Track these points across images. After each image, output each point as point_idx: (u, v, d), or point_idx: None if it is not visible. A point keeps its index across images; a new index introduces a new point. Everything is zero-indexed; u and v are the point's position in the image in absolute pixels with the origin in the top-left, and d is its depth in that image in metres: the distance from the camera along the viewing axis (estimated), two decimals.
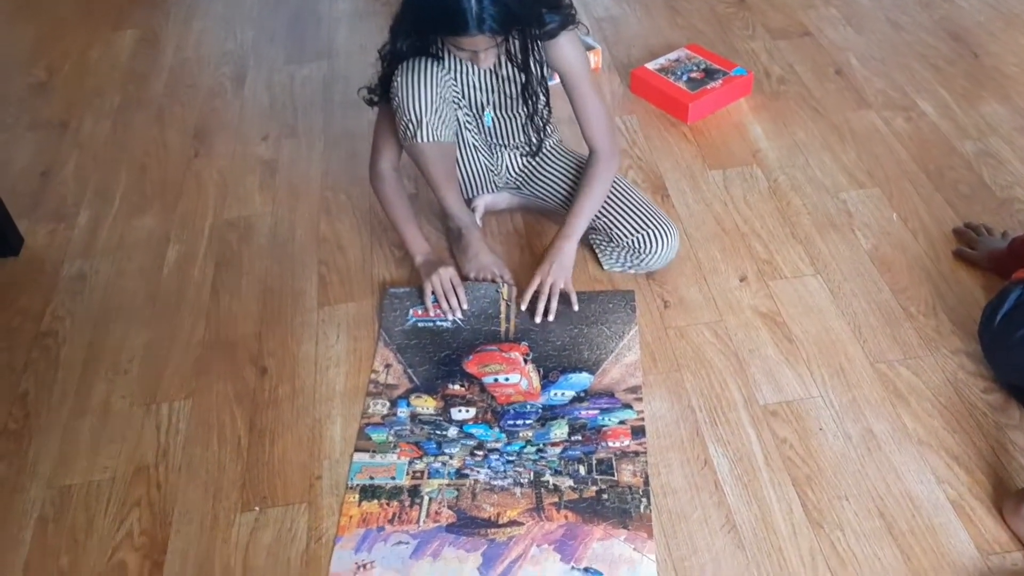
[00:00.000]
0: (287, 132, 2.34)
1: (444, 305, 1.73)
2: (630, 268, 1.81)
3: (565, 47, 1.67)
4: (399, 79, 1.62)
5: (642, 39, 2.57)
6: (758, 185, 2.03)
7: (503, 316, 1.73)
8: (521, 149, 1.88)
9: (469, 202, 1.91)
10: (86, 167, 2.27)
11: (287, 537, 1.45)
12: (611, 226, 1.77)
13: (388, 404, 1.62)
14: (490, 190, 1.92)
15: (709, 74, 2.28)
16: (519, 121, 1.81)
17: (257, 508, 1.49)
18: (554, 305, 1.71)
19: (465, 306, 1.73)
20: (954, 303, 1.72)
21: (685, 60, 2.34)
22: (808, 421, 1.54)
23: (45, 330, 1.84)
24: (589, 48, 2.38)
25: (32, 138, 2.39)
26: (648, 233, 1.74)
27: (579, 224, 1.74)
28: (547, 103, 1.79)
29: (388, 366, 1.69)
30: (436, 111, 1.63)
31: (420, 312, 1.75)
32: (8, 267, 1.99)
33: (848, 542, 1.37)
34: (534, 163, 1.90)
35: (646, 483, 1.46)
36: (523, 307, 1.72)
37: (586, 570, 1.37)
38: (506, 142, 1.86)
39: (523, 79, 1.70)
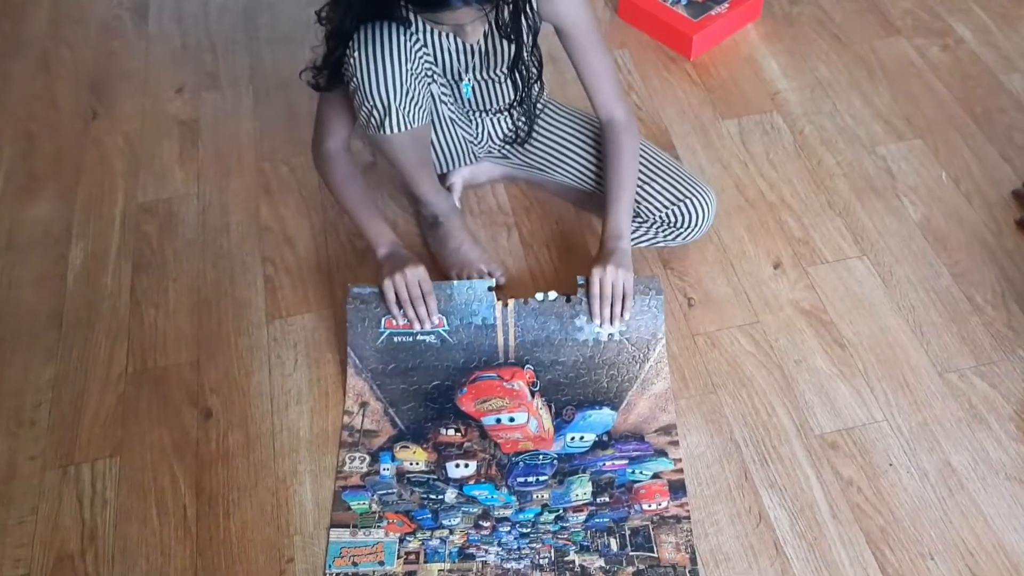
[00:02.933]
0: (207, 82, 1.92)
1: (410, 314, 1.36)
2: (659, 243, 1.50)
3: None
4: (357, 54, 1.23)
5: None
6: (781, 139, 1.72)
7: (499, 324, 1.39)
8: (505, 116, 1.52)
9: (443, 179, 1.57)
10: None
11: None
12: (638, 200, 1.44)
13: (368, 459, 1.32)
14: (469, 162, 1.57)
15: None
16: (503, 82, 1.44)
17: None
18: (621, 312, 1.36)
19: (435, 319, 1.37)
20: None
21: None
22: (875, 455, 1.29)
23: None
24: None
25: None
26: (686, 204, 1.44)
27: (623, 219, 1.39)
28: (539, 77, 1.46)
29: (364, 404, 1.37)
30: (407, 92, 1.26)
31: (395, 322, 1.38)
32: None
33: None
34: (523, 125, 1.54)
35: (693, 560, 1.20)
36: (597, 321, 1.36)
37: None
38: (488, 107, 1.48)
39: (512, 51, 1.34)
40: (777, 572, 1.19)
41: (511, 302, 1.38)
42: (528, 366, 1.38)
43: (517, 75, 1.40)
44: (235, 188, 1.70)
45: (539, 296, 1.37)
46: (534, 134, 1.55)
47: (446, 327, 1.38)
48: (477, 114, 1.49)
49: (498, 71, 1.41)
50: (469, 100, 1.45)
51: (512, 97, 1.45)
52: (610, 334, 1.37)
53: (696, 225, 1.46)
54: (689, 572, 1.20)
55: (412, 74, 1.26)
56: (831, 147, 1.70)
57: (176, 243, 1.63)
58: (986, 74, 1.82)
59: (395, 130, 1.28)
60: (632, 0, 1.93)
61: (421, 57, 1.29)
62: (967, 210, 1.59)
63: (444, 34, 1.32)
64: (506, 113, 1.51)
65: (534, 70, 1.43)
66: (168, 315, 1.52)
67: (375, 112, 1.26)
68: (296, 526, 1.27)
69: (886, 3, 1.98)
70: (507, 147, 1.56)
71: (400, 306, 1.35)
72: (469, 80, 1.41)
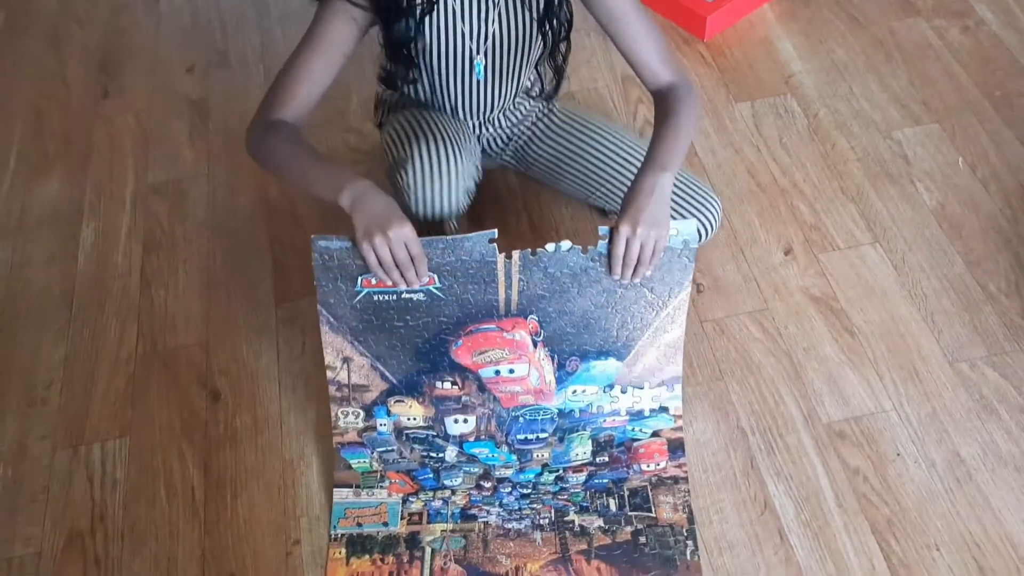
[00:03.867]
0: (217, 60, 1.91)
1: (395, 278, 1.12)
2: None
3: None
4: (411, 174, 1.23)
5: None
6: (795, 122, 1.70)
7: (501, 279, 1.17)
8: (507, 122, 1.44)
9: None
10: None
11: None
12: None
13: (362, 414, 1.26)
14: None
15: None
16: (515, 78, 1.33)
17: None
18: (645, 271, 1.15)
19: (425, 279, 1.14)
20: None
21: None
22: (883, 444, 1.29)
23: None
24: None
25: None
26: (700, 220, 1.33)
27: (673, 154, 1.16)
28: (568, 34, 1.31)
29: (347, 360, 1.23)
30: (458, 204, 1.27)
31: (374, 281, 1.15)
32: None
33: None
34: (529, 131, 1.46)
35: (690, 520, 1.22)
36: (615, 277, 1.16)
37: None
38: (499, 88, 1.34)
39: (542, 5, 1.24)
40: (781, 560, 1.19)
41: (516, 254, 1.16)
42: (532, 316, 1.20)
43: (548, 22, 1.25)
44: (245, 168, 1.69)
45: (550, 247, 1.15)
46: (534, 143, 1.47)
47: (437, 284, 1.17)
48: (477, 117, 1.39)
49: (514, 59, 1.30)
50: (478, 85, 1.33)
51: (527, 61, 1.31)
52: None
53: (702, 240, 1.35)
54: (686, 531, 1.22)
55: (465, 191, 1.26)
56: (846, 131, 1.68)
57: (186, 224, 1.63)
58: (1007, 57, 1.78)
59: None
60: None
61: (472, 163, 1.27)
62: (983, 196, 1.56)
63: (459, 9, 1.22)
64: (514, 113, 1.43)
65: (565, 20, 1.28)
66: (178, 296, 1.53)
67: (425, 216, 1.26)
68: (303, 508, 1.28)
69: None
70: (505, 157, 1.52)
71: (384, 270, 1.12)
72: (481, 60, 1.29)
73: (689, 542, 1.21)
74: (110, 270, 1.57)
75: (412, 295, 1.17)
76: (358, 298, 1.17)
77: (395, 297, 1.17)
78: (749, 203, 1.58)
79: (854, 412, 1.32)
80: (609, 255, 1.14)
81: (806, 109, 1.72)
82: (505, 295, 1.19)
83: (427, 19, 1.22)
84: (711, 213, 1.33)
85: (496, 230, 1.13)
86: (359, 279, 1.15)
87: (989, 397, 1.32)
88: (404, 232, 1.08)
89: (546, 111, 1.47)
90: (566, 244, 1.14)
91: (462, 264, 1.15)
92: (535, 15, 1.25)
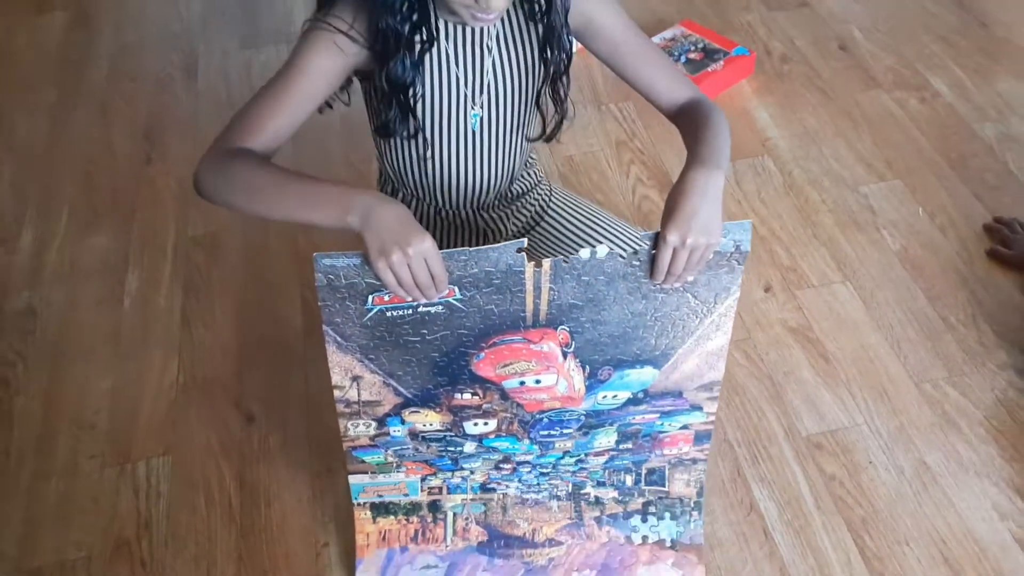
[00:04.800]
0: None
1: (415, 296, 1.00)
2: None
3: None
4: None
5: (631, 14, 2.37)
6: (772, 179, 1.89)
7: (530, 288, 1.05)
8: (505, 207, 1.32)
9: None
10: (24, 178, 2.03)
11: None
12: None
13: (374, 424, 1.18)
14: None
15: (709, 54, 2.11)
16: (514, 129, 1.22)
17: None
18: (689, 277, 1.03)
19: (444, 291, 1.01)
20: (993, 309, 1.61)
21: (682, 39, 2.16)
22: (856, 454, 1.42)
23: None
24: None
25: None
26: None
27: (720, 153, 1.03)
28: (568, 66, 1.19)
29: (357, 378, 1.13)
30: None
31: (387, 298, 1.02)
32: None
33: None
34: (528, 215, 1.35)
35: (699, 494, 1.29)
36: (657, 282, 1.03)
37: None
38: (496, 138, 1.21)
39: (541, 32, 1.13)
40: (766, 554, 1.32)
41: (546, 262, 1.03)
42: (562, 327, 1.09)
43: (548, 52, 1.15)
44: (275, 222, 1.87)
45: (584, 253, 1.02)
46: (551, 224, 1.38)
47: (458, 296, 1.04)
48: (478, 189, 1.27)
49: (513, 108, 1.20)
50: (473, 136, 1.20)
51: (526, 108, 1.21)
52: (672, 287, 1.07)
53: None
54: (693, 504, 1.29)
55: None
56: (817, 186, 1.87)
57: (222, 269, 1.79)
58: (960, 124, 1.99)
59: None
60: None
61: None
62: (942, 241, 1.74)
63: (451, 56, 1.12)
64: (512, 176, 1.30)
65: (566, 41, 1.15)
66: (215, 332, 1.68)
67: None
68: (331, 515, 1.40)
69: (869, 61, 2.17)
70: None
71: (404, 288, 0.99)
72: (478, 112, 1.18)
73: (694, 512, 1.29)
74: (153, 311, 1.73)
75: (430, 307, 1.05)
76: (368, 316, 1.05)
77: (410, 312, 1.05)
78: None
79: (830, 426, 1.46)
80: (652, 262, 1.02)
81: (781, 168, 1.91)
82: (534, 306, 1.07)
83: (422, 64, 1.12)
84: None
85: (525, 240, 1.03)
86: (370, 297, 1.03)
87: (951, 412, 1.47)
88: (424, 247, 0.95)
89: (548, 197, 1.39)
90: (603, 250, 1.02)
91: (486, 275, 1.03)
92: (532, 57, 1.17)
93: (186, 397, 1.58)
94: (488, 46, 1.13)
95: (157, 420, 1.54)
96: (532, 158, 1.35)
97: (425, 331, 1.07)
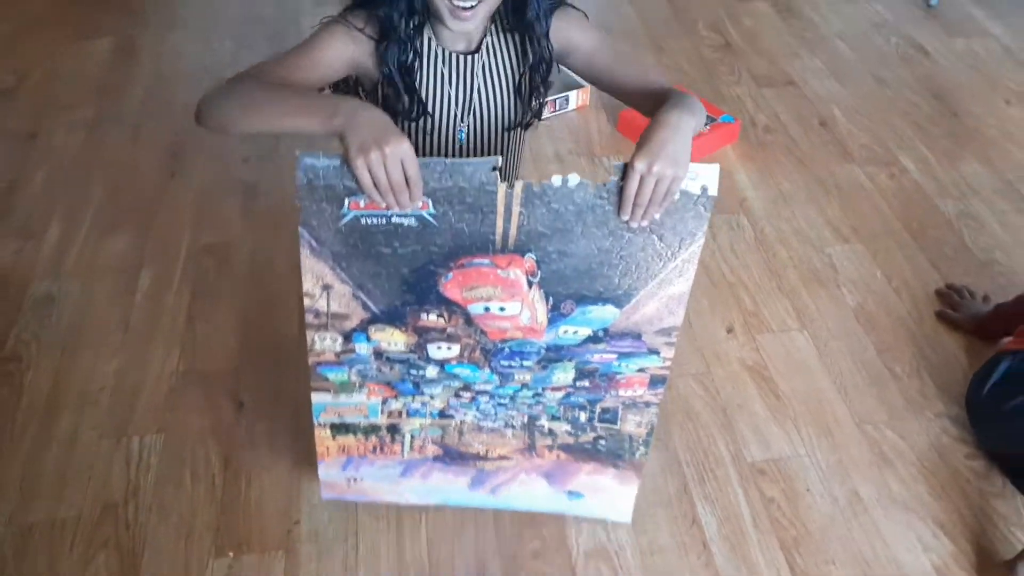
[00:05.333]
0: (267, 153, 2.28)
1: (389, 201, 1.04)
2: None
3: (574, 20, 1.26)
4: None
5: None
6: (744, 235, 2.04)
7: (500, 210, 1.09)
8: None
9: None
10: (55, 182, 2.19)
11: None
12: None
13: (340, 339, 1.20)
14: None
15: None
16: (496, 145, 1.33)
17: (231, 554, 1.43)
18: (655, 213, 1.06)
19: (418, 203, 1.06)
20: (937, 365, 1.73)
21: None
22: (796, 481, 1.53)
23: (8, 355, 1.75)
24: (577, 86, 2.38)
25: None
26: None
27: (695, 109, 1.07)
28: (548, 73, 1.30)
29: (327, 287, 1.15)
30: None
31: (363, 204, 1.07)
32: None
33: None
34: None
35: (649, 433, 1.31)
36: (624, 217, 1.07)
37: (569, 492, 1.39)
38: (482, 147, 1.32)
39: (519, 43, 1.26)
40: (703, 564, 1.42)
41: (518, 184, 1.07)
42: (529, 255, 1.12)
43: (529, 44, 1.25)
44: (283, 238, 2.02)
45: (556, 180, 1.06)
46: None
47: (431, 210, 1.08)
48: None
49: (499, 123, 1.31)
50: (461, 148, 1.32)
51: (516, 114, 1.31)
52: (639, 227, 1.10)
53: None
54: (642, 443, 1.32)
55: None
56: (786, 244, 2.01)
57: (229, 276, 1.94)
58: (924, 199, 2.14)
59: None
60: (629, 117, 2.30)
61: None
62: (896, 301, 1.87)
63: (455, 64, 1.25)
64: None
65: (548, 53, 1.25)
66: (217, 331, 1.81)
67: None
68: (306, 497, 1.51)
69: (846, 138, 2.34)
70: None
71: (379, 191, 1.03)
72: (465, 126, 1.29)
73: (641, 447, 1.32)
74: (162, 307, 1.86)
75: (403, 220, 1.09)
76: (344, 221, 1.08)
77: (384, 221, 1.08)
78: (702, 292, 1.89)
79: (774, 455, 1.58)
80: (620, 192, 1.05)
81: (754, 225, 2.06)
82: (503, 229, 1.10)
83: (419, 79, 1.24)
84: None
85: (500, 158, 1.08)
86: (346, 201, 1.07)
87: (887, 452, 1.58)
88: (402, 149, 1.00)
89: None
90: (574, 178, 1.06)
91: (460, 191, 1.06)
92: (514, 84, 1.27)
93: (184, 385, 1.70)
94: (477, 73, 1.26)
95: (155, 402, 1.67)
96: None
97: (397, 243, 1.10)
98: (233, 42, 2.73)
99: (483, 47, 1.26)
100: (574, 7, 1.28)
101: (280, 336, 1.80)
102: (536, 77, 1.28)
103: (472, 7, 1.14)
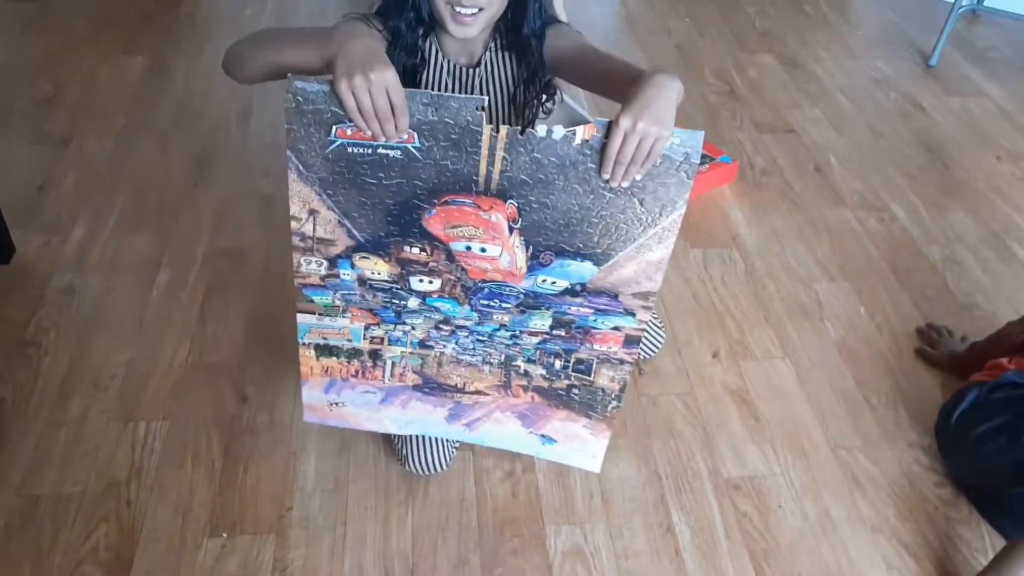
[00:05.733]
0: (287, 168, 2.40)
1: (375, 129, 1.07)
2: None
3: (563, 33, 1.35)
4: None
5: None
6: (736, 268, 2.12)
7: (484, 152, 1.11)
8: None
9: None
10: (85, 184, 2.31)
11: (253, 565, 1.46)
12: None
13: (326, 263, 1.26)
14: None
15: None
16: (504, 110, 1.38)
17: (225, 534, 1.50)
18: (636, 174, 1.09)
19: (404, 135, 1.09)
20: (913, 398, 1.80)
21: None
22: (768, 498, 1.60)
23: (28, 339, 1.85)
24: (584, 121, 2.47)
25: (33, 151, 2.42)
26: (646, 346, 1.75)
27: (674, 76, 1.11)
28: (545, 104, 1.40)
29: (313, 212, 1.19)
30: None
31: (350, 132, 1.10)
32: None
33: None
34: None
35: (622, 389, 1.36)
36: (605, 176, 1.10)
37: (542, 435, 1.48)
38: None
39: (516, 60, 1.34)
40: (675, 569, 1.48)
41: (504, 129, 1.10)
42: (511, 201, 1.15)
43: (525, 60, 1.34)
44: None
45: (541, 130, 1.09)
46: None
47: (416, 143, 1.10)
48: None
49: (503, 95, 1.38)
50: None
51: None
52: (620, 188, 1.13)
53: (647, 359, 1.78)
54: (614, 397, 1.37)
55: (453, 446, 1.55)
56: (775, 278, 2.09)
57: (242, 279, 2.03)
58: (911, 244, 2.22)
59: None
60: None
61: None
62: (876, 337, 1.95)
63: (461, 80, 1.34)
64: None
65: (541, 67, 1.34)
66: (227, 328, 1.90)
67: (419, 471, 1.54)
68: (299, 485, 1.58)
69: (839, 183, 2.44)
70: None
71: (363, 117, 1.06)
72: None
73: (613, 402, 1.38)
74: (176, 303, 1.96)
75: (389, 151, 1.11)
76: (331, 148, 1.11)
77: (370, 151, 1.11)
78: (690, 317, 1.97)
79: (749, 473, 1.64)
80: (603, 150, 1.07)
81: (746, 259, 2.15)
82: (486, 171, 1.12)
83: (422, 86, 1.32)
84: (655, 338, 1.77)
85: (486, 98, 1.11)
86: (333, 128, 1.09)
87: (859, 476, 1.64)
88: (387, 76, 1.03)
89: None
90: (559, 130, 1.09)
91: (445, 127, 1.09)
92: (510, 97, 1.36)
93: (191, 376, 1.79)
94: (477, 86, 1.37)
95: (163, 391, 1.75)
96: None
97: (382, 175, 1.13)
98: None
99: (483, 62, 1.37)
100: (563, 22, 1.39)
101: (286, 336, 1.86)
102: (531, 90, 1.38)
103: (473, 14, 1.24)
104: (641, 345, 1.42)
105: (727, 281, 2.08)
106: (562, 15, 1.74)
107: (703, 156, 2.39)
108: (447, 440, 1.56)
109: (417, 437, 1.53)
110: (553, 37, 1.35)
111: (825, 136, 2.64)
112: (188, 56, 2.92)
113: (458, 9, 1.24)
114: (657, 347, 1.79)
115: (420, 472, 1.57)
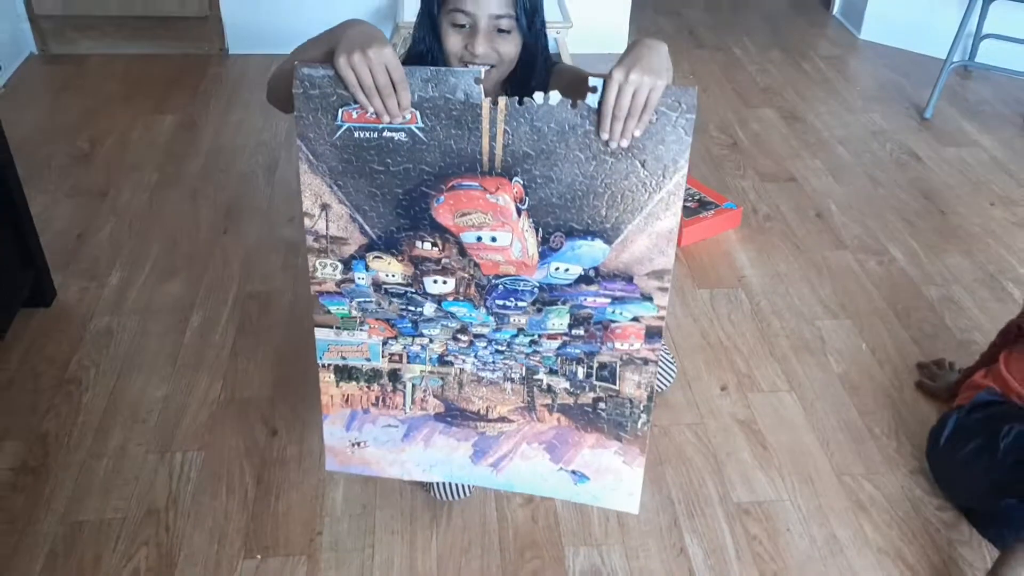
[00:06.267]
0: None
1: (377, 105, 1.12)
2: None
3: (563, 70, 1.49)
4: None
5: None
6: (742, 306, 2.22)
7: (486, 126, 1.15)
8: None
9: None
10: (121, 234, 2.43)
11: None
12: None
13: (340, 266, 1.29)
14: None
15: (703, 205, 2.50)
16: None
17: (259, 556, 1.58)
18: (635, 129, 1.12)
19: (407, 114, 1.14)
20: (915, 428, 1.87)
21: None
22: (777, 521, 1.67)
23: (69, 377, 1.95)
24: None
25: (72, 203, 2.56)
26: (660, 379, 1.83)
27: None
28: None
29: (325, 207, 1.22)
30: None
31: (355, 115, 1.15)
32: (39, 317, 2.12)
33: None
34: None
35: (649, 398, 1.35)
36: (604, 135, 1.13)
37: (573, 472, 1.42)
38: None
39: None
40: None
41: (503, 100, 1.13)
42: (516, 179, 1.18)
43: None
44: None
45: (538, 97, 1.13)
46: None
47: (419, 123, 1.15)
48: None
49: None
50: None
51: None
52: (619, 150, 1.15)
53: (660, 392, 1.86)
54: (643, 408, 1.35)
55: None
56: (779, 316, 2.19)
57: (270, 320, 2.14)
58: (910, 284, 2.32)
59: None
60: None
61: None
62: (878, 371, 2.03)
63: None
64: None
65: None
66: (257, 366, 2.00)
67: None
68: (328, 511, 1.66)
69: (840, 228, 2.55)
70: None
71: (364, 93, 1.11)
72: None
73: (643, 415, 1.35)
74: (208, 343, 2.06)
75: (393, 134, 1.15)
76: (338, 134, 1.14)
77: (376, 135, 1.15)
78: (699, 354, 2.06)
79: (758, 498, 1.71)
80: (600, 107, 1.10)
81: (751, 299, 2.25)
82: (489, 147, 1.15)
83: None
84: (669, 373, 1.85)
85: (483, 69, 1.15)
86: (339, 112, 1.13)
87: (864, 501, 1.71)
88: (385, 52, 1.08)
89: None
90: (555, 96, 1.13)
91: (446, 103, 1.13)
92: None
93: (224, 411, 1.88)
94: None
95: (197, 424, 1.84)
96: None
97: (389, 160, 1.17)
98: (287, 121, 3.01)
99: None
100: (562, 63, 1.51)
101: (312, 373, 1.94)
102: None
103: (487, 69, 1.36)
104: (656, 378, 1.44)
105: (734, 319, 2.18)
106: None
107: (708, 203, 2.51)
108: None
109: None
110: (556, 78, 1.47)
111: (825, 184, 2.76)
112: (216, 115, 3.08)
113: (474, 64, 1.35)
114: (670, 380, 1.88)
115: (443, 499, 1.65)
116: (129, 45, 3.47)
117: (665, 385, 1.88)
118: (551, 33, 1.55)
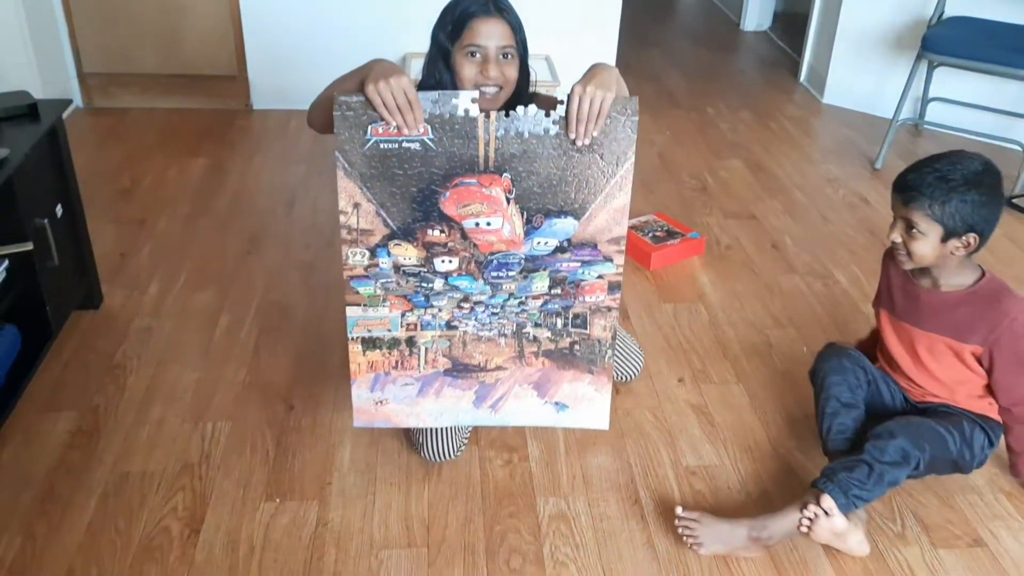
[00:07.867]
0: (325, 243, 2.87)
1: (397, 120, 1.50)
2: None
3: (541, 97, 1.80)
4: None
5: None
6: (700, 318, 2.54)
7: (481, 135, 1.53)
8: None
9: None
10: (158, 254, 2.78)
11: (300, 521, 1.82)
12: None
13: (368, 254, 1.63)
14: None
15: (670, 235, 2.84)
16: None
17: (278, 500, 1.86)
18: (594, 130, 1.51)
19: (421, 128, 1.51)
20: None
21: (652, 223, 2.91)
22: (719, 481, 1.95)
23: (115, 364, 2.26)
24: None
25: (115, 228, 2.91)
26: (628, 368, 2.17)
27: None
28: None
29: (357, 205, 1.57)
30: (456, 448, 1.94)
31: (381, 130, 1.51)
32: (89, 317, 2.44)
33: (740, 563, 1.75)
34: None
35: (613, 337, 1.75)
36: (571, 135, 1.53)
37: (556, 403, 1.78)
38: None
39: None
40: (640, 528, 1.82)
41: (493, 114, 1.51)
42: (505, 175, 1.54)
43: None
44: (332, 304, 2.55)
45: (520, 110, 1.52)
46: None
47: (431, 135, 1.50)
48: None
49: None
50: None
51: None
52: (582, 147, 1.53)
53: (626, 381, 2.20)
54: (608, 345, 1.76)
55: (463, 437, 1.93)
56: (733, 326, 2.50)
57: (289, 324, 2.46)
58: (850, 302, 2.64)
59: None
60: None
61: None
62: None
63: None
64: None
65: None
66: (278, 359, 2.31)
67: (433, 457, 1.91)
68: (337, 467, 1.95)
69: (792, 257, 2.88)
70: None
71: (388, 111, 1.48)
72: None
73: (608, 351, 1.75)
74: (235, 340, 2.38)
75: (410, 144, 1.51)
76: (368, 146, 1.51)
77: (397, 146, 1.51)
78: (662, 354, 2.37)
79: (704, 463, 2.00)
80: (566, 114, 1.50)
81: (709, 312, 2.57)
82: (484, 151, 1.51)
83: None
84: (636, 364, 2.17)
85: (478, 91, 1.56)
86: (368, 128, 1.50)
87: (793, 465, 2.00)
88: (403, 81, 1.47)
89: None
90: (533, 108, 1.52)
91: (450, 119, 1.50)
92: None
93: (248, 391, 2.19)
94: None
95: (226, 401, 2.15)
96: None
97: (407, 166, 1.53)
98: (304, 166, 3.40)
99: None
100: (541, 93, 1.86)
101: (326, 364, 2.29)
102: None
103: (495, 92, 1.71)
104: (625, 366, 1.99)
105: (693, 328, 2.49)
106: None
107: (675, 232, 2.85)
108: (458, 432, 1.93)
109: (431, 430, 1.90)
110: (535, 99, 1.82)
111: (782, 221, 3.11)
112: (242, 159, 3.46)
113: (483, 89, 1.68)
114: (638, 370, 2.18)
115: (434, 459, 1.94)
116: (166, 100, 3.88)
117: (635, 374, 2.17)
118: (542, 90, 1.96)
